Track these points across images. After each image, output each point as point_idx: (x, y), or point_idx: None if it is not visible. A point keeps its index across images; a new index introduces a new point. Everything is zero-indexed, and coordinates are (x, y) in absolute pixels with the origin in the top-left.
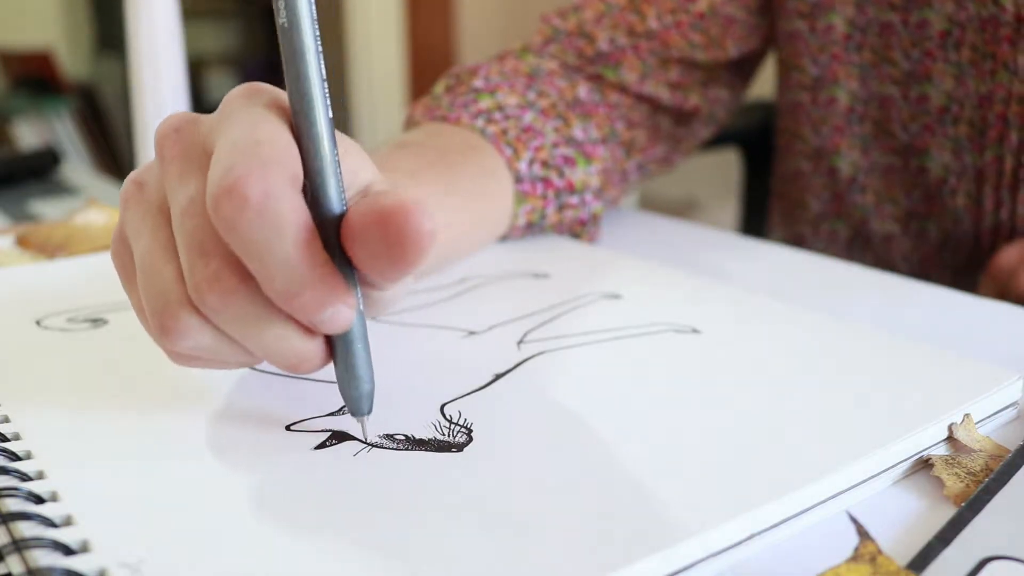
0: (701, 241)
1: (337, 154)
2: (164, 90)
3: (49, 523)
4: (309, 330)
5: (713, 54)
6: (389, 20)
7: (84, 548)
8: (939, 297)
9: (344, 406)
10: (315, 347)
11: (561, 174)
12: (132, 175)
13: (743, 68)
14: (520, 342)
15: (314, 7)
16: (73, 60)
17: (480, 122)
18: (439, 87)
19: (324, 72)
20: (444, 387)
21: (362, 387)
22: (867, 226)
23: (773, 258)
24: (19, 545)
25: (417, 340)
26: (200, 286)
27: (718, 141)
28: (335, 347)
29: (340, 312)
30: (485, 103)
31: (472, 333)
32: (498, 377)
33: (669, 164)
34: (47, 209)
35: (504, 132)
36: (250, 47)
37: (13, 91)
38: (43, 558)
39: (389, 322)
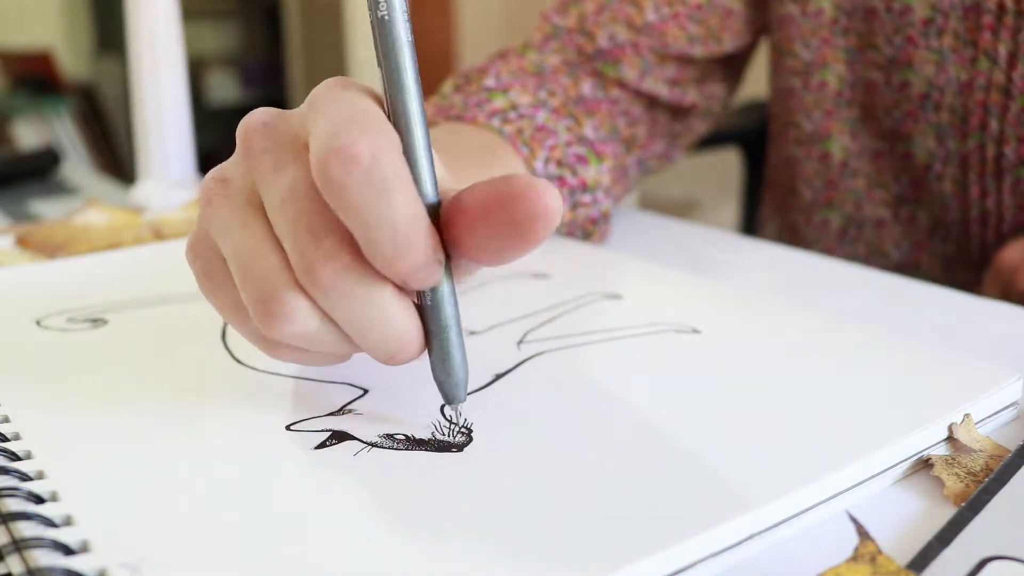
0: (701, 241)
1: (430, 141)
2: (164, 90)
3: (49, 523)
4: (410, 309)
5: (710, 48)
6: None
7: (84, 548)
8: (939, 297)
9: (345, 404)
10: (415, 333)
11: (575, 173)
12: (213, 173)
13: (736, 63)
14: (520, 342)
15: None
16: (73, 60)
17: (496, 121)
18: (447, 86)
19: (415, 57)
20: None
21: (457, 375)
22: (860, 212)
23: (773, 258)
24: (19, 545)
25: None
26: (313, 265)
27: (718, 141)
28: (430, 335)
29: (435, 273)
30: (499, 102)
31: (472, 333)
32: (498, 377)
33: (668, 160)
34: (47, 209)
35: (520, 132)
36: (250, 47)
37: (13, 91)
38: (43, 558)
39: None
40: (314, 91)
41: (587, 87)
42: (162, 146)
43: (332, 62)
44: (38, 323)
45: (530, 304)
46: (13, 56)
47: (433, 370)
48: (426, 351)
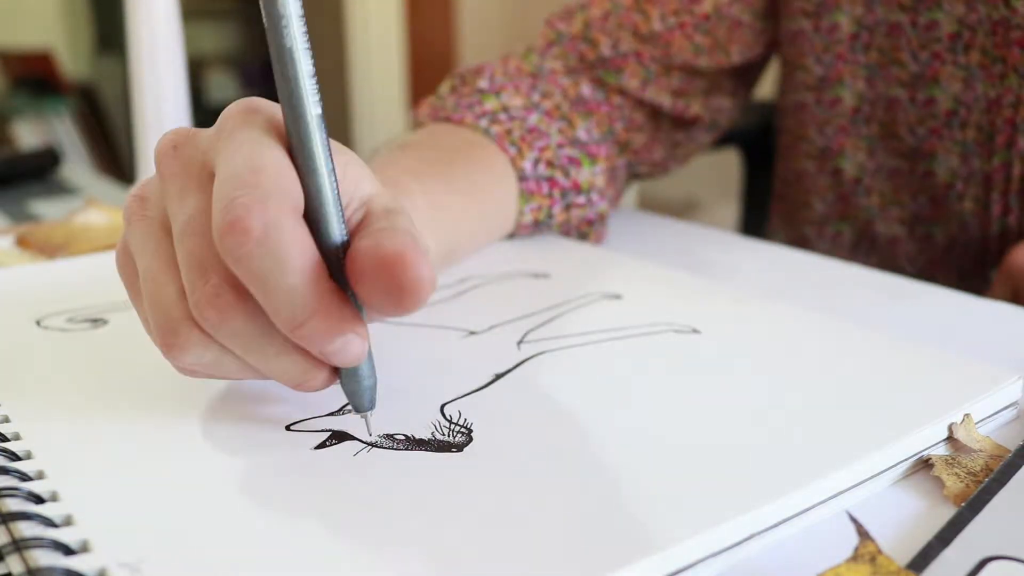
0: (701, 241)
1: (336, 179)
2: (164, 90)
3: (49, 523)
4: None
5: (716, 59)
6: (389, 20)
7: (84, 548)
8: (939, 297)
9: (345, 405)
10: (316, 362)
11: (567, 174)
12: (134, 190)
13: (746, 75)
14: (520, 342)
15: (304, 30)
16: (73, 60)
17: (484, 122)
18: (444, 87)
19: (318, 94)
20: (444, 387)
21: (363, 382)
22: (872, 228)
23: (773, 258)
24: (19, 545)
25: (417, 340)
26: (200, 303)
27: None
28: None
29: (351, 342)
30: (490, 104)
31: (472, 333)
32: (498, 377)
33: (663, 169)
34: (47, 209)
35: (508, 132)
36: (250, 47)
37: (13, 91)
38: (43, 558)
39: (389, 322)
40: (224, 113)
41: (587, 89)
42: None
43: (332, 62)
44: (38, 323)
45: (530, 304)
46: (13, 56)
47: (340, 378)
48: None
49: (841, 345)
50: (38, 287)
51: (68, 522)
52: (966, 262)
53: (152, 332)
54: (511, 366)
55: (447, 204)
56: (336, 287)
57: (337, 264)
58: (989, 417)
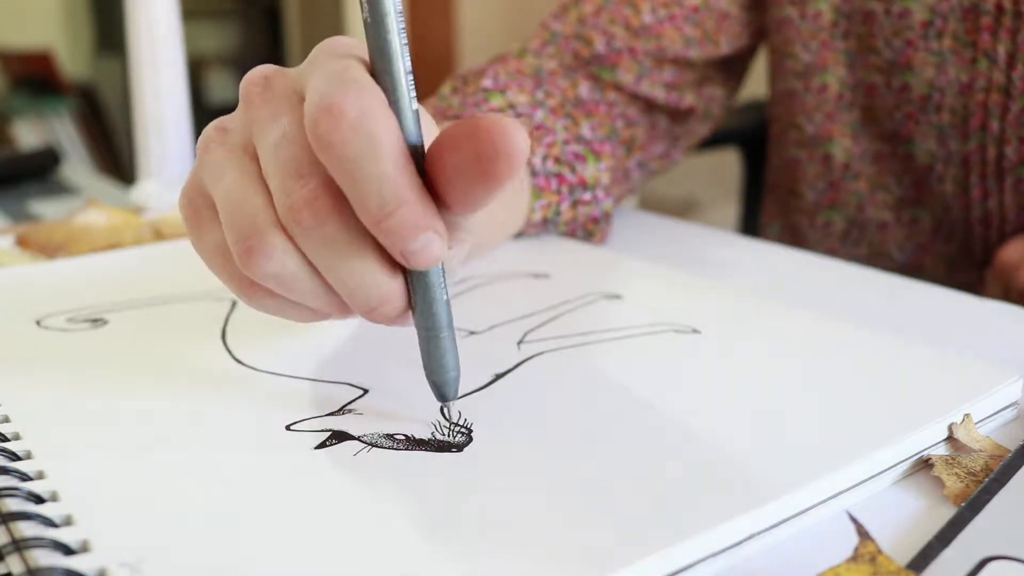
0: (701, 241)
1: (416, 99)
2: (164, 90)
3: (49, 523)
4: (394, 268)
5: (707, 50)
6: None
7: (84, 548)
8: (939, 297)
9: (345, 404)
10: (397, 287)
11: (573, 170)
12: (214, 123)
13: (736, 65)
14: (520, 342)
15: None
16: (73, 60)
17: None
18: (446, 88)
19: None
20: None
21: (448, 373)
22: (863, 214)
23: (773, 258)
24: (19, 545)
25: (417, 340)
26: (296, 204)
27: (718, 141)
28: (421, 335)
29: (432, 241)
30: (496, 102)
31: (472, 333)
32: (498, 377)
33: (669, 160)
34: (47, 209)
35: None
36: (250, 47)
37: (13, 91)
38: (43, 558)
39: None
40: (313, 51)
41: (584, 89)
42: (162, 146)
43: None
44: (38, 323)
45: (530, 304)
46: (13, 56)
47: (425, 369)
48: (413, 321)
49: (841, 345)
50: (38, 287)
51: (68, 522)
52: (952, 248)
53: (232, 242)
54: (511, 366)
55: None
56: (422, 183)
57: (419, 168)
58: (989, 417)
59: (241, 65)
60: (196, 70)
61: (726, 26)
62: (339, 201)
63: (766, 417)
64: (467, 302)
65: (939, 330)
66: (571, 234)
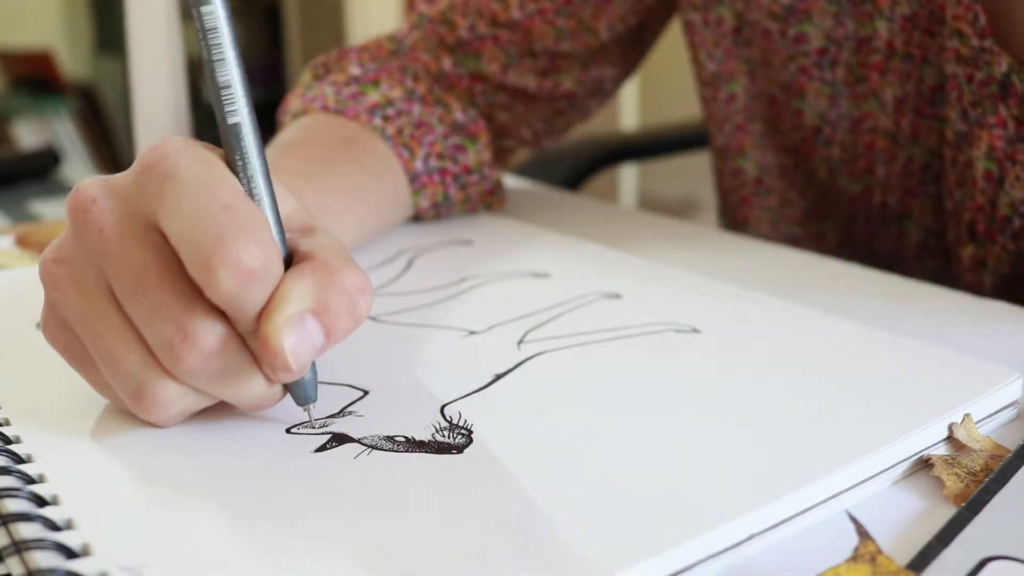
0: (701, 241)
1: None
2: (164, 90)
3: (51, 525)
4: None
5: (583, 41)
6: (389, 20)
7: (85, 551)
8: (939, 296)
9: (345, 407)
10: (279, 388)
11: (456, 161)
12: (49, 254)
13: (633, 40)
14: (520, 342)
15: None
16: (73, 60)
17: (378, 120)
18: (307, 77)
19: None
20: (444, 387)
21: (305, 375)
22: (776, 230)
23: (773, 257)
24: (20, 547)
25: (417, 340)
26: (181, 355)
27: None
28: None
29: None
30: (373, 97)
31: (472, 333)
32: (498, 377)
33: (536, 145)
34: (47, 209)
35: (400, 132)
36: (250, 47)
37: (13, 91)
38: (44, 560)
39: (389, 322)
40: (146, 159)
41: (448, 63)
42: None
43: None
44: (38, 325)
45: (530, 304)
46: (13, 56)
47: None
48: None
49: (841, 344)
50: (38, 288)
51: (70, 525)
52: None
53: (121, 396)
54: (511, 366)
55: (329, 205)
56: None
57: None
58: (989, 417)
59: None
60: (196, 70)
61: (607, 10)
62: (215, 333)
63: (766, 417)
64: (467, 302)
65: (939, 330)
66: (472, 210)
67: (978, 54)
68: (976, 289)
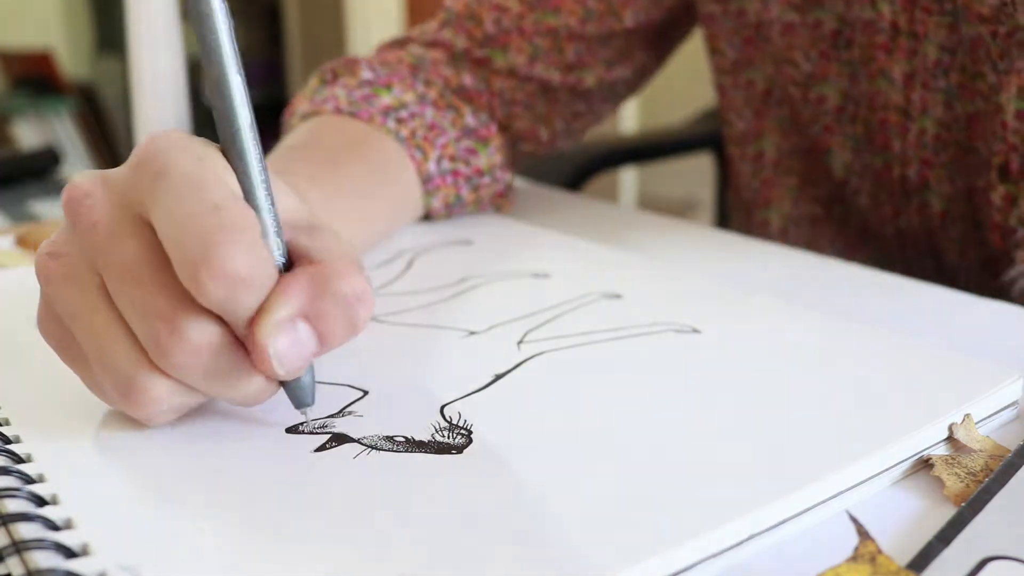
0: (701, 241)
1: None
2: (164, 90)
3: (50, 525)
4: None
5: (608, 24)
6: (389, 20)
7: (84, 551)
8: (939, 297)
9: (345, 407)
10: (273, 382)
11: (468, 163)
12: (44, 248)
13: (653, 43)
14: (520, 342)
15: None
16: (73, 60)
17: (392, 123)
18: (314, 82)
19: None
20: (444, 387)
21: (303, 379)
22: (797, 209)
23: (773, 257)
24: (19, 547)
25: (417, 340)
26: (169, 351)
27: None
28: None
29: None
30: (386, 99)
31: (472, 333)
32: (498, 377)
33: (551, 148)
34: (47, 209)
35: (413, 134)
36: (250, 47)
37: (13, 91)
38: (44, 560)
39: (389, 322)
40: (141, 154)
41: (468, 79)
42: None
43: None
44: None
45: (530, 304)
46: (13, 56)
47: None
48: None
49: (841, 344)
50: (38, 288)
51: (69, 525)
52: (878, 255)
53: (108, 392)
54: (511, 366)
55: (333, 209)
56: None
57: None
58: (989, 417)
59: (241, 65)
60: (196, 70)
61: None
62: (206, 329)
63: (766, 417)
64: (467, 302)
65: (939, 330)
66: (483, 210)
67: (998, 12)
68: (1004, 229)
